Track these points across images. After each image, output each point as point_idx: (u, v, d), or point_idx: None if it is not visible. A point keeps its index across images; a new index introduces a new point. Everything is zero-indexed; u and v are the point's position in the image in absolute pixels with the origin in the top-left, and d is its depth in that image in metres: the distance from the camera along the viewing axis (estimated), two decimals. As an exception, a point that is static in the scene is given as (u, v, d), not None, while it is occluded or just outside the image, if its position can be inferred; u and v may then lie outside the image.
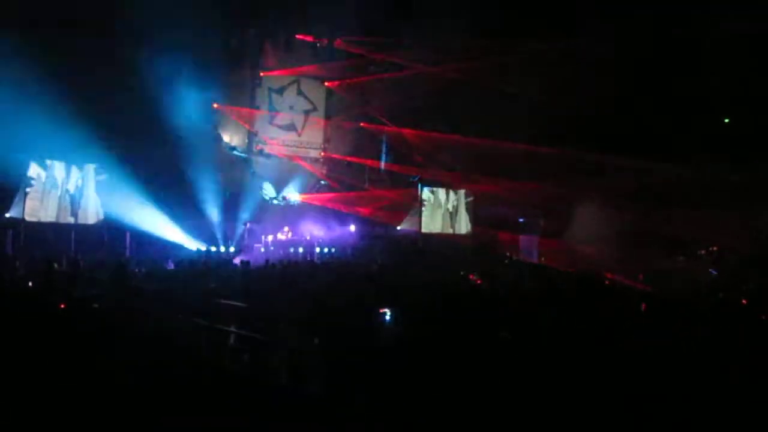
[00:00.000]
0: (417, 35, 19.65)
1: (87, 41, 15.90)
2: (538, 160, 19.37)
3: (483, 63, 19.74)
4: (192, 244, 18.31)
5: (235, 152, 21.14)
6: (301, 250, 19.47)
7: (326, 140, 22.60)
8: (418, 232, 21.40)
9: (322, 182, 22.45)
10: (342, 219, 21.69)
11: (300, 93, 22.27)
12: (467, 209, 22.15)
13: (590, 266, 15.30)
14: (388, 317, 7.43)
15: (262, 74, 21.40)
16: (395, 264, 15.97)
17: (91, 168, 17.53)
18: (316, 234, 20.68)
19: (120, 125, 16.67)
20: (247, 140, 21.39)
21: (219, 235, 19.24)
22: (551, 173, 19.29)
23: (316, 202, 21.97)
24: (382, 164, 22.71)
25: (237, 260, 15.82)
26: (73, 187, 17.35)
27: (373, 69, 21.80)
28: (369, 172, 22.64)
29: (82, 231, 17.11)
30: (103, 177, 17.54)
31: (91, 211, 17.49)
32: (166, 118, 18.31)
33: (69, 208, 17.33)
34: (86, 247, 16.18)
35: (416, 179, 22.23)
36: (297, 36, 21.35)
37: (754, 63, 15.92)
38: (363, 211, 22.02)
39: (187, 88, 18.52)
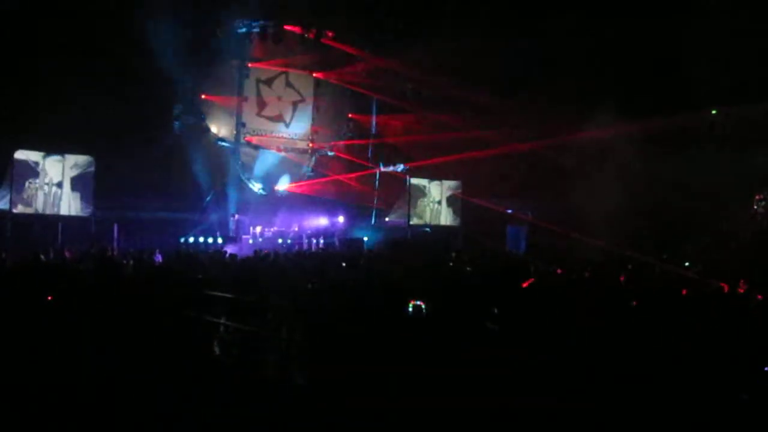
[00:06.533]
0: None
1: (75, 33, 15.82)
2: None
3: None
4: (180, 235, 18.28)
5: (222, 143, 21.10)
6: (289, 241, 19.55)
7: (314, 131, 22.62)
8: (407, 224, 21.50)
9: (309, 171, 22.46)
10: (330, 210, 21.79)
11: (288, 84, 22.24)
12: (450, 200, 22.20)
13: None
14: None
15: (249, 65, 21.31)
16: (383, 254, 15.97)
17: (78, 159, 17.42)
18: (304, 225, 20.74)
19: (108, 116, 16.60)
20: (234, 131, 21.34)
21: (207, 227, 19.22)
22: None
23: (303, 193, 22.00)
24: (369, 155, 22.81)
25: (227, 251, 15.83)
26: (60, 179, 17.25)
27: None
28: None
29: (69, 223, 17.05)
30: (90, 169, 17.44)
31: (78, 203, 17.41)
32: (154, 108, 18.26)
33: (56, 200, 17.24)
34: (73, 239, 16.13)
35: (405, 170, 22.29)
36: (285, 27, 21.28)
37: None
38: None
39: (174, 77, 18.44)
